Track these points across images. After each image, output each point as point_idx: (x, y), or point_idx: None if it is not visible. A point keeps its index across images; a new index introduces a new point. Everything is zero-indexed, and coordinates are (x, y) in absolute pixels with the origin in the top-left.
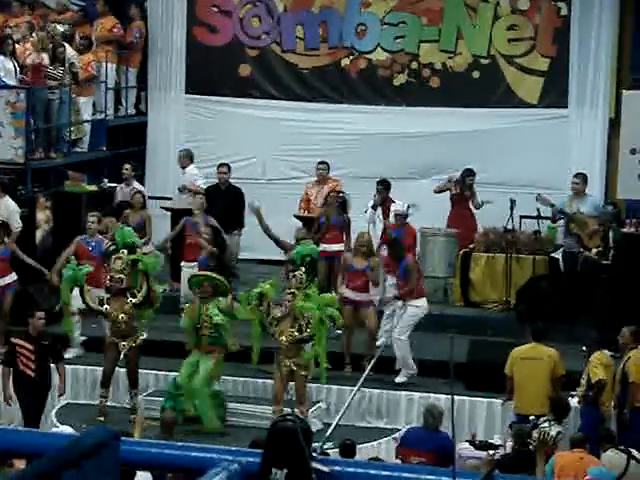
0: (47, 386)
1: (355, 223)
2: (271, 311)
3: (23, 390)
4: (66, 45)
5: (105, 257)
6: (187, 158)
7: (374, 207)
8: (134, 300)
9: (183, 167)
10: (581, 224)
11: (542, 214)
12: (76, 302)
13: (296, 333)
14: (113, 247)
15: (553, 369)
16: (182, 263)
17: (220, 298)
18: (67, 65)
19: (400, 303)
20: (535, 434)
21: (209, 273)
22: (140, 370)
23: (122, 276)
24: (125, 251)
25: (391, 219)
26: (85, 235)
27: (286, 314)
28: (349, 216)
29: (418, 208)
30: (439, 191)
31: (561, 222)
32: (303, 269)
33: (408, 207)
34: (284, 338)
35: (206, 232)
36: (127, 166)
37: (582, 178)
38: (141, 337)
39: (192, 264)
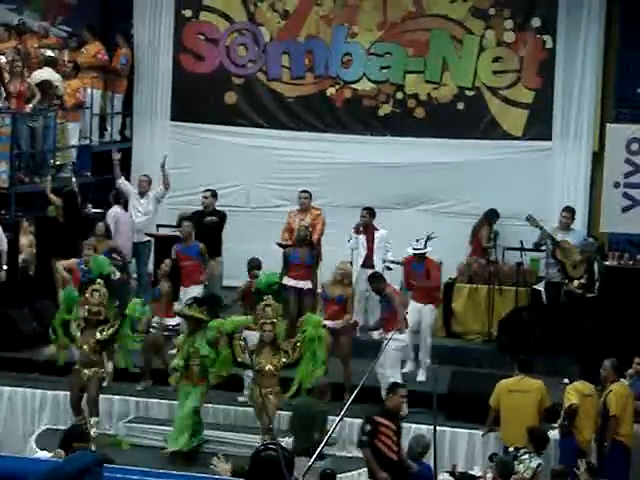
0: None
1: (338, 252)
2: (245, 344)
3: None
4: (49, 69)
5: (80, 287)
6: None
7: (357, 231)
8: (99, 336)
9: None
10: (567, 252)
11: (525, 246)
12: None
13: (283, 359)
14: (89, 277)
15: (540, 401)
16: (182, 289)
17: (207, 331)
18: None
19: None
20: (517, 466)
21: (190, 312)
22: (121, 396)
23: (100, 309)
24: (101, 282)
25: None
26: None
27: (264, 344)
28: (319, 249)
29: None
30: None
31: (543, 255)
32: (272, 297)
33: (426, 241)
34: (272, 367)
35: (165, 271)
36: (145, 179)
37: (571, 212)
38: (105, 370)
39: (187, 288)
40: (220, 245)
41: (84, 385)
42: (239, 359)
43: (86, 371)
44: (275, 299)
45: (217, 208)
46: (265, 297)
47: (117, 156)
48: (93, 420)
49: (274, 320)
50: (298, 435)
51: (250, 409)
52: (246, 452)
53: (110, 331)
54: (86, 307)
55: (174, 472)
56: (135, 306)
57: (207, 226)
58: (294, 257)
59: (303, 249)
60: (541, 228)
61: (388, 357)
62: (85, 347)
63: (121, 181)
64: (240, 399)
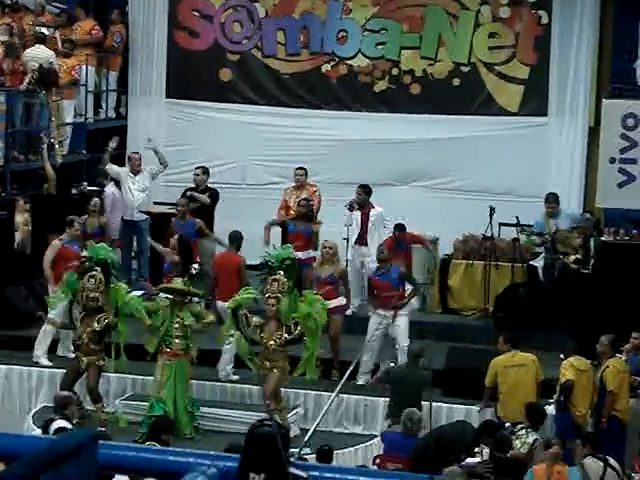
0: None
1: (334, 228)
2: (250, 320)
3: None
4: (43, 47)
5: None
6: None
7: (350, 208)
8: (96, 326)
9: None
10: (566, 242)
11: (521, 222)
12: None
13: (285, 335)
14: (87, 263)
15: (535, 373)
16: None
17: (194, 302)
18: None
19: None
20: (513, 441)
21: (177, 286)
22: (118, 374)
23: (97, 294)
24: (99, 269)
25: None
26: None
27: (269, 319)
28: (317, 225)
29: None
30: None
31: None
32: (283, 273)
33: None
34: (273, 342)
35: (173, 244)
36: (137, 156)
37: (555, 200)
38: (101, 361)
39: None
40: (212, 223)
41: (81, 373)
42: (245, 334)
43: (84, 359)
44: (286, 275)
45: (209, 185)
46: (278, 271)
47: (113, 145)
48: (98, 405)
49: (278, 295)
50: (397, 403)
51: (240, 385)
52: (238, 428)
53: (105, 323)
54: (84, 294)
55: (171, 448)
56: (131, 303)
57: (200, 203)
58: (292, 227)
59: (302, 222)
60: (543, 241)
61: (404, 328)
62: (83, 335)
63: (108, 167)
64: (221, 374)
